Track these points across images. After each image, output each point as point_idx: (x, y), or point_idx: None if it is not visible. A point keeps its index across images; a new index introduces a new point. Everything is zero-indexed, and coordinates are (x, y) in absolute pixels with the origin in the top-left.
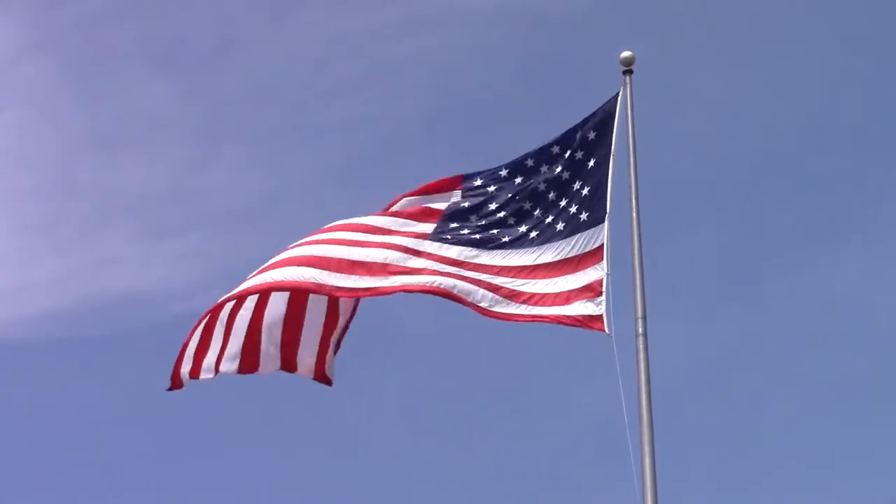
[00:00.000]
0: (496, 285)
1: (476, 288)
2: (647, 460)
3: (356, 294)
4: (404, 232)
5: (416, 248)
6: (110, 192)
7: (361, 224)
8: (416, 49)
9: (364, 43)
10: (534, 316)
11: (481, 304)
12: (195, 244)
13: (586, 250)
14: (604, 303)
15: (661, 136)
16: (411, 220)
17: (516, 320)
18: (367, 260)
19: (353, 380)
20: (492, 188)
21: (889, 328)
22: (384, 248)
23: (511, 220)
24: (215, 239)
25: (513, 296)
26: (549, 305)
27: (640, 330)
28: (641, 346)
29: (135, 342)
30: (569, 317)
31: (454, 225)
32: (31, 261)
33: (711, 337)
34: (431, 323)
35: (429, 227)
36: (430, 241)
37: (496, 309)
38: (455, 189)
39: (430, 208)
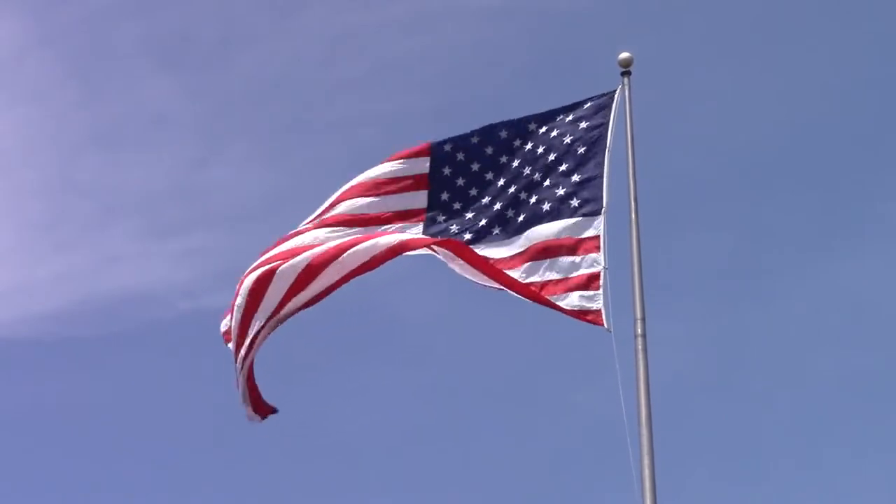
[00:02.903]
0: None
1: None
2: (647, 460)
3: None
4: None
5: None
6: (113, 190)
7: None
8: (419, 46)
9: (368, 40)
10: (532, 291)
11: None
12: (199, 242)
13: (580, 236)
14: (601, 297)
15: (663, 134)
16: (392, 223)
17: (517, 290)
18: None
19: (351, 379)
20: (463, 158)
21: (893, 326)
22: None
23: (498, 206)
24: (219, 237)
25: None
26: (547, 289)
27: (640, 331)
28: (640, 347)
29: (138, 340)
30: (568, 308)
31: (442, 219)
32: (33, 259)
33: (714, 336)
34: (431, 322)
35: (417, 227)
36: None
37: (499, 267)
38: (423, 156)
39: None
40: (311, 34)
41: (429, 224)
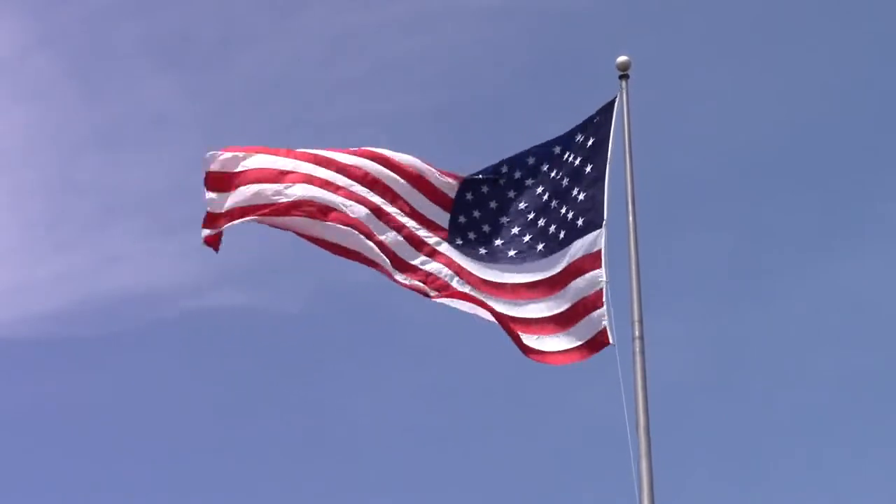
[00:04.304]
0: (502, 314)
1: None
2: (644, 462)
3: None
4: (420, 216)
5: (432, 246)
6: (114, 190)
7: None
8: (419, 46)
9: (368, 40)
10: (543, 355)
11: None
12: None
13: (581, 255)
14: (605, 314)
15: (663, 134)
16: (413, 218)
17: (529, 355)
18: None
19: (352, 379)
20: (495, 189)
21: (893, 326)
22: (399, 231)
23: (516, 230)
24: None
25: (518, 322)
26: (553, 333)
27: (637, 333)
28: (638, 349)
29: (139, 340)
30: (578, 352)
31: (466, 231)
32: (34, 259)
33: (714, 336)
34: (431, 323)
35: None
36: (446, 244)
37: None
38: (455, 180)
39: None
40: (311, 34)
41: (452, 239)
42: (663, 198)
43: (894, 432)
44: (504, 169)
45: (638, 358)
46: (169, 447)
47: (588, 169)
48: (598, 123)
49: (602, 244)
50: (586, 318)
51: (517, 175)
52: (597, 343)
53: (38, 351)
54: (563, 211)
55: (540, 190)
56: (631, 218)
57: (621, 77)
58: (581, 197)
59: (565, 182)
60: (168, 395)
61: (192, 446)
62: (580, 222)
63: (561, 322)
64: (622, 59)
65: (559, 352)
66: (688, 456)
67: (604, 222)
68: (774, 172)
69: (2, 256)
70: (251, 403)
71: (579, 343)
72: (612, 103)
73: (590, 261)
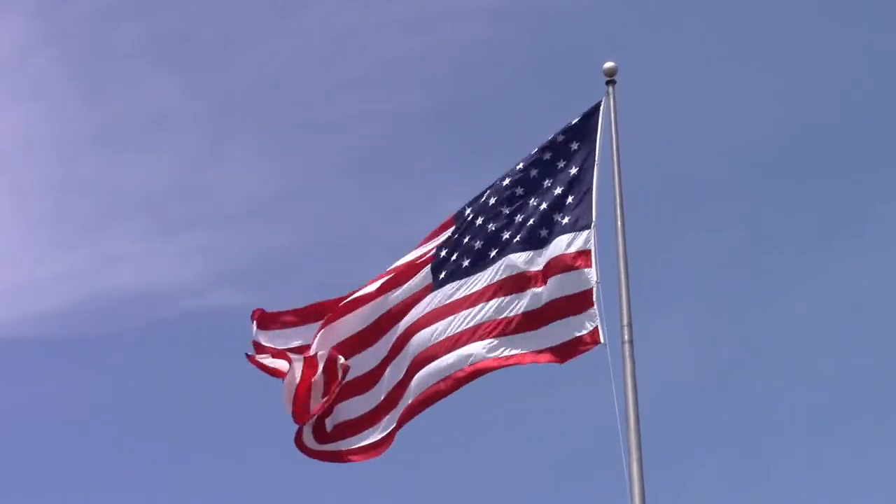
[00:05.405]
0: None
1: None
2: (636, 466)
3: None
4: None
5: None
6: (114, 190)
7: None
8: (419, 46)
9: (368, 40)
10: (528, 355)
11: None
12: (200, 241)
13: (568, 252)
14: (596, 314)
15: (664, 134)
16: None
17: (514, 363)
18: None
19: None
20: (480, 218)
21: (893, 326)
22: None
23: (495, 230)
24: (220, 236)
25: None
26: (539, 327)
27: (626, 337)
28: (627, 353)
29: (140, 340)
30: (567, 351)
31: (448, 259)
32: (35, 258)
33: (714, 336)
34: None
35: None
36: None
37: (494, 355)
38: (449, 228)
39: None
40: (311, 34)
41: (435, 266)
42: (663, 198)
43: (894, 432)
44: (492, 200)
45: (628, 361)
46: (169, 447)
47: (573, 171)
48: (583, 127)
49: (592, 244)
50: (574, 315)
51: (506, 193)
52: (586, 343)
53: (38, 351)
54: (545, 208)
55: (519, 193)
56: (619, 222)
57: (608, 83)
58: (569, 199)
59: (547, 183)
60: (168, 395)
61: (192, 446)
62: (566, 221)
63: (534, 320)
64: (608, 65)
65: (530, 352)
66: (688, 456)
67: (593, 223)
68: (774, 172)
69: (2, 256)
70: (251, 403)
71: (552, 346)
72: (597, 106)
73: (578, 258)
